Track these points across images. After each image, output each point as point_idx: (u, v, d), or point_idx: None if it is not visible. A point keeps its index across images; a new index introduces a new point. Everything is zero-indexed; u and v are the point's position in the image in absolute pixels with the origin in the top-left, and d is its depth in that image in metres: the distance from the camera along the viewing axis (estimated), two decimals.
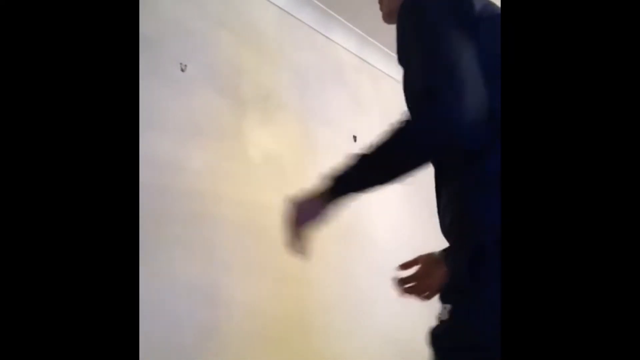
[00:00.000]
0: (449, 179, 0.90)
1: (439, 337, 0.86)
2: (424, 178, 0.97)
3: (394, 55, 0.93)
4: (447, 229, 0.91)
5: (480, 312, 0.80)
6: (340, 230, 2.14)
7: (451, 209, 0.89)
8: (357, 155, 0.91)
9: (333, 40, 2.41)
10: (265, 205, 1.86)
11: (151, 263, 1.47)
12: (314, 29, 2.31)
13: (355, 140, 2.34)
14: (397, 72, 2.70)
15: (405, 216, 2.53)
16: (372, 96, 2.53)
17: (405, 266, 1.09)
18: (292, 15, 2.21)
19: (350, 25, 2.42)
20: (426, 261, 1.06)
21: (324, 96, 2.27)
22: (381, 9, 1.09)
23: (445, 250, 0.95)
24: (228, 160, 1.80)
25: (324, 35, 2.36)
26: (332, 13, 2.32)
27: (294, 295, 1.89)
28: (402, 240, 2.43)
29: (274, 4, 2.15)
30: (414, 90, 0.87)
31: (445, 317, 0.84)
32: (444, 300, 0.86)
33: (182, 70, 1.73)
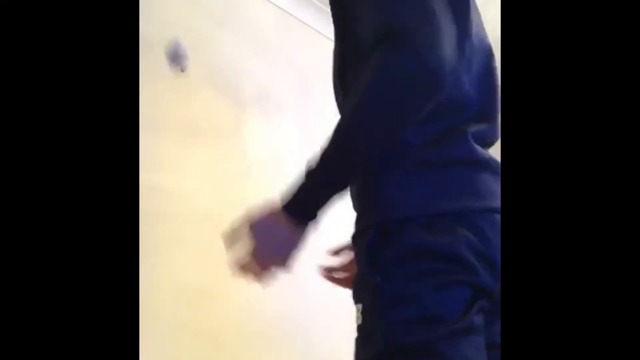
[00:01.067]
0: None
1: (356, 349, 0.71)
2: None
3: None
4: (353, 205, 0.79)
5: (386, 309, 0.67)
6: (340, 230, 2.14)
7: (356, 186, 0.77)
8: (311, 167, 0.75)
9: (333, 40, 2.41)
10: None
11: (151, 263, 1.47)
12: (314, 29, 2.31)
13: None
14: None
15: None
16: None
17: (336, 252, 0.91)
18: (292, 15, 2.21)
19: None
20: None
21: (324, 96, 2.26)
22: None
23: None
24: (228, 160, 1.80)
25: (324, 35, 2.36)
26: None
27: (294, 295, 1.89)
28: None
29: (274, 3, 2.15)
30: (365, 39, 0.69)
31: (360, 320, 0.71)
32: (355, 299, 0.73)
33: (182, 70, 1.73)
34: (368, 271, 0.70)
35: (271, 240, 0.80)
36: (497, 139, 0.80)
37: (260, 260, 0.81)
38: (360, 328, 0.70)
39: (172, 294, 1.53)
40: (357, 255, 0.75)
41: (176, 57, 1.34)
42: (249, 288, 1.75)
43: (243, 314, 1.70)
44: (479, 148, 0.74)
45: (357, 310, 0.71)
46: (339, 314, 2.04)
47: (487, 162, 0.74)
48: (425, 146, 0.71)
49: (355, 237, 0.77)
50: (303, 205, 0.76)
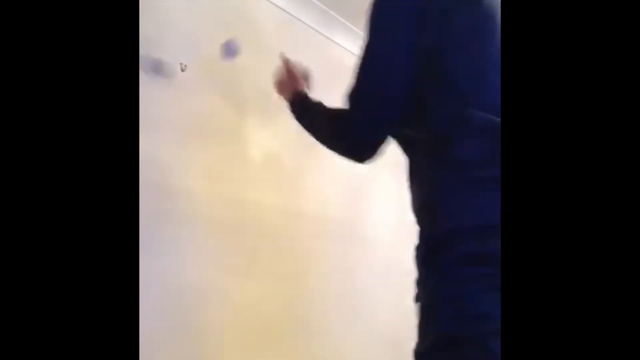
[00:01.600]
0: (418, 167, 0.90)
1: (417, 341, 0.81)
2: None
3: None
4: (415, 219, 0.90)
5: (439, 307, 0.78)
6: (340, 230, 2.14)
7: (417, 198, 0.89)
8: (319, 106, 1.13)
9: (333, 41, 2.41)
10: (265, 205, 1.86)
11: (151, 263, 1.47)
12: (314, 29, 2.31)
13: None
14: None
15: (405, 216, 2.53)
16: None
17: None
18: (292, 15, 2.21)
19: (350, 25, 2.42)
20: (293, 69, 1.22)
21: (324, 96, 2.26)
22: None
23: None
24: (228, 160, 1.80)
25: (324, 35, 2.36)
26: (333, 13, 2.32)
27: (294, 295, 1.88)
28: (402, 240, 2.43)
29: (274, 4, 2.14)
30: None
31: (418, 316, 0.82)
32: (415, 299, 0.85)
33: (182, 70, 1.73)
34: (426, 275, 0.81)
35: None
36: None
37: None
38: (418, 323, 0.81)
39: (172, 294, 1.53)
40: (417, 262, 0.85)
41: (229, 52, 1.61)
42: (249, 288, 1.75)
43: (243, 314, 1.70)
44: None
45: (417, 307, 0.82)
46: (339, 314, 2.04)
47: None
48: (478, 164, 0.78)
49: (418, 247, 0.87)
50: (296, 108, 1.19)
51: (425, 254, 0.82)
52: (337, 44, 2.44)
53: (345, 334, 2.03)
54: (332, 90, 2.32)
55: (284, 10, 2.19)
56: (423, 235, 0.85)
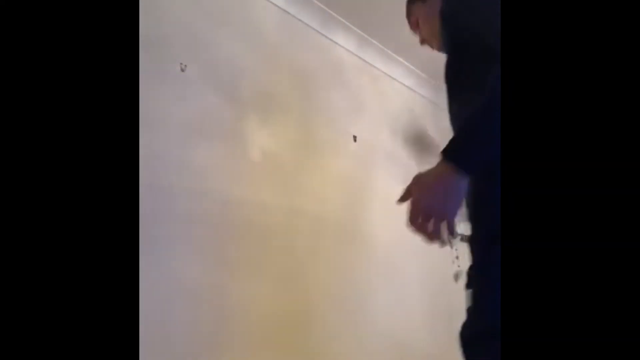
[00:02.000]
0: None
1: (464, 327, 0.86)
2: None
3: (394, 55, 0.94)
4: (470, 214, 0.93)
5: (496, 297, 0.80)
6: (340, 230, 2.15)
7: (473, 193, 0.91)
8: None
9: (333, 41, 2.41)
10: (265, 205, 1.86)
11: (151, 263, 1.47)
12: (314, 29, 2.31)
13: (355, 140, 2.34)
14: (396, 72, 2.70)
15: (404, 216, 2.53)
16: (372, 96, 2.53)
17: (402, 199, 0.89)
18: (292, 15, 2.21)
19: (350, 25, 2.42)
20: (416, 185, 0.82)
21: (324, 96, 2.27)
22: (418, 33, 1.12)
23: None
24: (228, 160, 1.80)
25: (324, 35, 2.36)
26: (332, 13, 2.32)
27: (294, 294, 1.89)
28: (402, 240, 2.43)
29: (274, 4, 2.15)
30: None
31: (470, 303, 0.86)
32: (467, 285, 0.89)
33: (182, 70, 1.73)
34: (480, 265, 0.86)
35: (433, 193, 0.78)
36: None
37: (424, 215, 0.79)
38: (469, 309, 0.85)
39: (172, 294, 1.53)
40: (473, 252, 0.90)
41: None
42: (248, 287, 1.75)
43: (243, 314, 1.70)
44: None
45: (469, 293, 0.85)
46: (339, 314, 2.04)
47: None
48: None
49: (474, 238, 0.90)
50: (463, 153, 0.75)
51: (485, 246, 0.85)
52: (337, 44, 2.44)
53: (345, 333, 2.03)
54: (332, 90, 2.34)
55: (284, 10, 2.19)
56: (482, 230, 0.88)
